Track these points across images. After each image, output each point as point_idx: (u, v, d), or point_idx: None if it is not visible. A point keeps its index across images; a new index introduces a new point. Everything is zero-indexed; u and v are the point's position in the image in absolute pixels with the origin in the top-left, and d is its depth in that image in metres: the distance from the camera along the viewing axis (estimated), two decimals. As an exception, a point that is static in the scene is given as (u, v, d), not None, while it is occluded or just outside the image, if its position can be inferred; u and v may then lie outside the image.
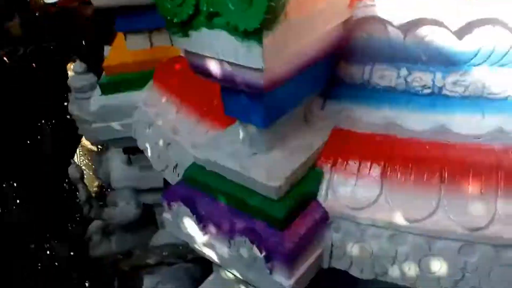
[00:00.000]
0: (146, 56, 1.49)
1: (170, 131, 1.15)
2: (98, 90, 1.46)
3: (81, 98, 1.56)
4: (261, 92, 0.75)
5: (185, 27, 0.76)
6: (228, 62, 0.75)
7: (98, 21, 3.65)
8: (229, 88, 0.81)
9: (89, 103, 1.44)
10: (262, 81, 0.73)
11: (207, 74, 0.81)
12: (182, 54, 1.45)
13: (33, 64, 2.69)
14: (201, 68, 0.81)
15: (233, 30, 0.68)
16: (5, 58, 2.65)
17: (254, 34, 0.66)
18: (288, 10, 0.67)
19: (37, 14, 3.46)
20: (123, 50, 1.53)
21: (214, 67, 0.79)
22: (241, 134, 0.91)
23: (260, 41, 0.66)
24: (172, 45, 1.41)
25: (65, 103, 3.33)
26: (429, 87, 0.88)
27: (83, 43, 3.47)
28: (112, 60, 1.50)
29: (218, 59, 0.76)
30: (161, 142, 1.18)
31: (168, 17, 0.77)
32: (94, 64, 3.36)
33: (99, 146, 2.52)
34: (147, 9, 1.44)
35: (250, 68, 0.71)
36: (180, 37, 0.79)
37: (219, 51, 0.74)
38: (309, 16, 0.75)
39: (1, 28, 3.07)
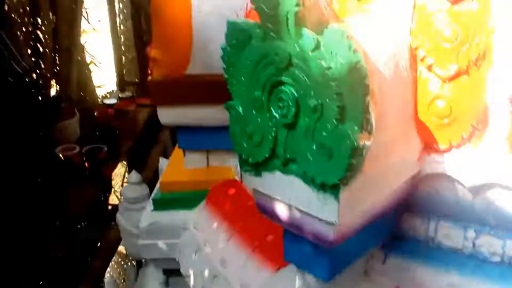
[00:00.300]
0: (201, 176, 1.54)
1: (218, 262, 1.14)
2: (150, 205, 1.50)
3: (131, 209, 1.61)
4: (329, 245, 0.74)
5: (259, 167, 0.80)
6: (298, 209, 0.76)
7: (151, 125, 3.91)
8: (293, 234, 0.82)
9: (138, 217, 1.47)
10: (332, 235, 0.73)
11: (273, 216, 0.83)
12: (236, 178, 1.51)
13: (86, 164, 2.84)
14: (268, 209, 0.83)
15: (309, 181, 0.71)
16: (60, 155, 2.82)
17: (331, 188, 0.68)
18: (364, 165, 0.69)
19: (95, 114, 3.73)
20: (179, 166, 1.60)
21: (282, 211, 0.80)
22: (298, 283, 0.88)
23: (336, 195, 0.68)
24: (236, 176, 1.48)
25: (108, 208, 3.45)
26: (498, 255, 0.85)
27: (134, 144, 3.67)
28: (169, 176, 1.56)
29: (287, 204, 0.78)
30: (206, 273, 1.16)
31: (243, 156, 0.81)
32: (140, 168, 3.50)
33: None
34: (207, 129, 1.53)
35: (321, 220, 0.72)
36: (251, 176, 0.82)
37: (290, 196, 0.76)
38: (383, 171, 0.77)
39: (57, 126, 3.30)
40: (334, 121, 0.63)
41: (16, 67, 2.11)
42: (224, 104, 0.83)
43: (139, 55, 4.25)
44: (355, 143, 0.61)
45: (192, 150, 1.59)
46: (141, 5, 3.92)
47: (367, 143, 0.63)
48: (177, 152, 1.76)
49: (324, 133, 0.65)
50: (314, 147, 0.67)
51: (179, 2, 1.24)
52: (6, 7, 2.99)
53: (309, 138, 0.68)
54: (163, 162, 1.88)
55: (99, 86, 4.62)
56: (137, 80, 4.42)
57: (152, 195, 1.58)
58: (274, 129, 0.74)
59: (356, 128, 0.61)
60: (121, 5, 4.25)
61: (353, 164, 0.64)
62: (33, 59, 3.70)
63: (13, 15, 3.38)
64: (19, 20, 3.59)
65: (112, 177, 3.63)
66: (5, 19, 2.12)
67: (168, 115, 1.49)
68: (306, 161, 0.70)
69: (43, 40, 3.87)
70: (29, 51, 3.66)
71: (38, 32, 3.79)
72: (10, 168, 2.89)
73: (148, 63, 4.22)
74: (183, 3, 1.24)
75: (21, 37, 3.46)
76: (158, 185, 1.62)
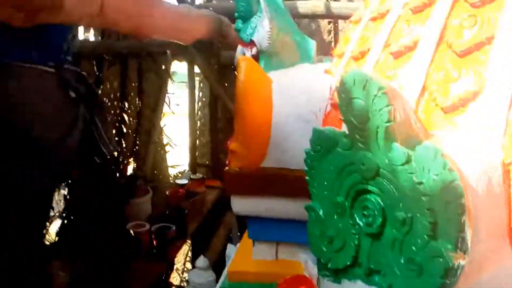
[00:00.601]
0: (270, 268, 1.51)
1: None
2: (216, 294, 1.48)
3: (196, 295, 1.59)
4: None
5: (339, 274, 0.77)
6: (380, 322, 0.71)
7: (218, 207, 3.96)
8: None
9: (204, 306, 1.46)
10: None
11: (351, 326, 0.77)
12: (306, 274, 1.46)
13: (154, 242, 2.89)
14: (346, 319, 0.78)
15: (395, 295, 0.66)
16: (131, 231, 2.90)
17: (419, 307, 0.63)
18: (456, 281, 0.64)
19: (167, 193, 3.85)
20: (247, 256, 1.58)
21: (361, 322, 0.75)
22: None
23: (425, 316, 0.63)
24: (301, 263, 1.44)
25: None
26: None
27: (199, 225, 3.71)
28: (237, 266, 1.55)
29: (368, 316, 0.73)
30: None
31: (322, 260, 0.79)
32: (203, 249, 3.50)
33: None
34: (278, 221, 1.52)
35: None
36: (330, 281, 0.79)
37: (372, 308, 0.72)
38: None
39: (131, 203, 3.42)
40: (426, 237, 0.60)
41: (103, 148, 2.26)
42: (304, 206, 0.83)
43: (212, 140, 4.44)
44: (449, 263, 0.58)
45: (261, 241, 1.57)
46: (219, 95, 4.17)
47: (462, 262, 0.59)
48: (245, 240, 1.75)
49: (414, 248, 0.62)
50: (402, 261, 0.64)
51: (261, 102, 1.30)
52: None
53: (397, 251, 0.65)
54: (230, 249, 1.87)
55: (172, 166, 4.83)
56: (208, 162, 4.58)
57: (219, 283, 1.56)
58: (357, 236, 0.72)
59: (450, 246, 0.58)
60: (201, 94, 4.55)
61: (446, 284, 0.60)
62: (116, 138, 3.99)
63: (106, 99, 3.73)
64: (109, 104, 3.94)
65: (176, 256, 3.65)
66: (99, 105, 2.32)
67: (241, 205, 1.51)
68: (392, 274, 0.66)
69: (127, 122, 4.19)
70: (114, 131, 3.97)
71: (124, 114, 4.12)
72: (84, 238, 3.02)
73: (218, 147, 4.39)
74: (265, 103, 1.30)
75: (110, 119, 3.77)
76: (225, 272, 1.60)
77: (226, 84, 4.19)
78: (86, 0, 0.86)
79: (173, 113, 4.82)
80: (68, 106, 2.03)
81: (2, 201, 1.93)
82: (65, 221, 3.54)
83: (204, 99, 4.51)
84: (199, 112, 4.56)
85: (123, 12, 1.11)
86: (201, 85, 4.61)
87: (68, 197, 3.60)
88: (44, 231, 2.95)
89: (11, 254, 2.12)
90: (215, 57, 4.11)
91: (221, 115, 4.37)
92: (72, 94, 2.02)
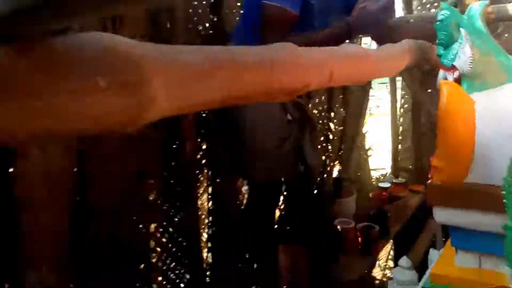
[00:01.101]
0: (471, 276, 1.55)
1: None
2: (418, 291, 1.61)
3: (399, 291, 1.74)
4: None
5: (534, 288, 0.85)
6: None
7: (421, 212, 3.93)
8: None
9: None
10: None
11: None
12: (510, 286, 1.46)
13: (359, 239, 3.11)
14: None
15: None
16: (338, 227, 3.18)
17: None
18: None
19: (370, 195, 4.04)
20: (450, 262, 1.65)
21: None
22: None
23: None
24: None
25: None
26: None
27: (402, 228, 3.76)
28: (439, 270, 1.63)
29: None
30: None
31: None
32: (405, 251, 3.54)
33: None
34: (481, 232, 1.54)
35: None
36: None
37: None
38: None
39: (338, 202, 3.72)
40: None
41: (308, 161, 2.70)
42: (502, 226, 0.92)
43: (414, 145, 4.40)
44: None
45: (464, 250, 1.62)
46: (422, 102, 4.13)
47: None
48: (449, 247, 1.80)
49: None
50: None
51: (464, 122, 1.38)
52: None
53: None
54: (433, 253, 1.95)
55: (374, 169, 4.96)
56: (410, 167, 4.56)
57: (421, 283, 1.67)
58: (552, 256, 0.79)
59: None
60: (403, 100, 4.57)
61: None
62: (324, 144, 4.36)
63: (315, 111, 4.13)
64: (318, 115, 4.33)
65: (379, 254, 3.79)
66: (310, 127, 2.80)
67: (443, 215, 1.59)
68: None
69: (333, 130, 4.52)
70: (321, 138, 4.34)
71: (330, 123, 4.46)
72: (298, 229, 3.45)
73: (421, 152, 4.34)
74: (468, 123, 1.38)
75: (319, 128, 4.16)
76: (427, 274, 1.70)
77: (429, 90, 4.11)
78: (319, 74, 1.12)
79: (372, 114, 4.94)
80: (284, 125, 2.64)
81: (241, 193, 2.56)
82: (283, 213, 4.06)
83: (406, 105, 4.50)
84: (401, 119, 4.57)
85: (348, 74, 1.35)
86: (403, 91, 4.61)
87: (284, 193, 4.12)
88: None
89: (249, 234, 2.75)
90: (417, 66, 4.08)
91: (424, 120, 4.30)
92: (289, 117, 2.63)
